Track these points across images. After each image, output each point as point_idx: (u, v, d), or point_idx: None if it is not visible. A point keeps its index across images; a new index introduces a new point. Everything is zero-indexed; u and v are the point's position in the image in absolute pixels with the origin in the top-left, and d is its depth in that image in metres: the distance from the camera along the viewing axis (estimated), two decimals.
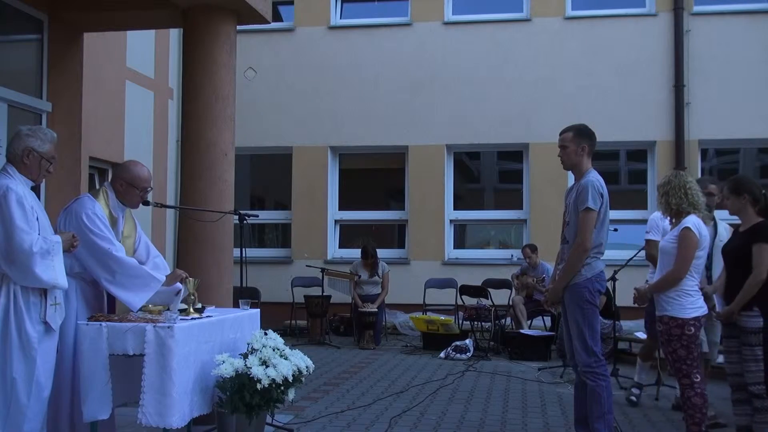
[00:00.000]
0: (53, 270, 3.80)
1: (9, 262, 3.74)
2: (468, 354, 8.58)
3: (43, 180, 4.21)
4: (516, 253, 11.14)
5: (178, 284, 4.54)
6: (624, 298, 6.92)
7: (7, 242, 3.72)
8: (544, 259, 9.56)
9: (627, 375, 7.28)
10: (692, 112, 10.78)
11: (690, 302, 4.53)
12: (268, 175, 12.97)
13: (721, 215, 5.74)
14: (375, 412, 5.92)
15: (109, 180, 5.01)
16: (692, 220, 4.57)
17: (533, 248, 9.72)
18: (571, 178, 4.84)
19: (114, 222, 4.43)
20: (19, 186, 3.85)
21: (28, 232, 3.74)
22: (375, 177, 12.81)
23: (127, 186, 4.47)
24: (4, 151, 6.29)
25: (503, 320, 9.55)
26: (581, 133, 4.74)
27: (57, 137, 4.12)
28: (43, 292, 3.87)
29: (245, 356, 4.44)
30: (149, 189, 4.56)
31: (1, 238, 3.73)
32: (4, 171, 3.93)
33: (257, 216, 5.86)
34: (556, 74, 11.13)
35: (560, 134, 4.80)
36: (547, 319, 9.76)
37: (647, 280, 5.67)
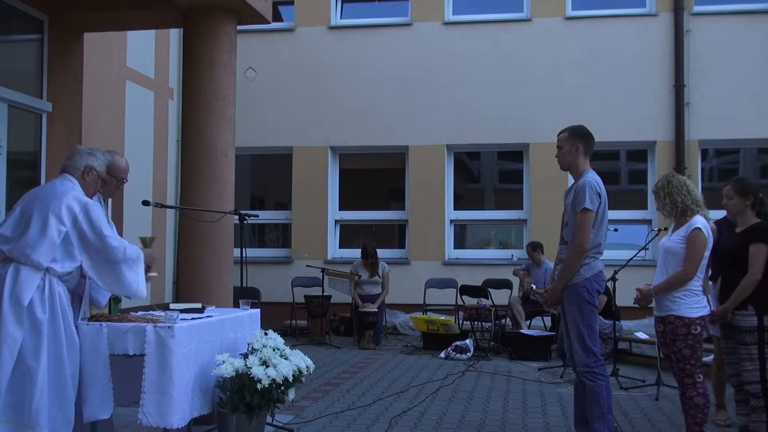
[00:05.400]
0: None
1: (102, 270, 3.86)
2: (468, 354, 8.58)
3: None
4: (516, 253, 11.15)
5: None
6: (624, 298, 6.92)
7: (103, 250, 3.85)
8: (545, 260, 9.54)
9: (627, 375, 7.29)
10: (692, 112, 10.78)
11: (696, 301, 4.54)
12: (268, 175, 12.96)
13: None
14: (375, 412, 5.92)
15: None
16: (701, 221, 4.57)
17: (534, 246, 9.64)
18: (571, 179, 4.85)
19: None
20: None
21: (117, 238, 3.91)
22: (375, 177, 12.80)
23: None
24: (4, 151, 6.30)
25: (503, 320, 9.55)
26: (576, 134, 4.75)
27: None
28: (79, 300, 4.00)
29: (245, 356, 4.44)
30: (125, 180, 4.54)
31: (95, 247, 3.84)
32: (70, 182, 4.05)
33: (257, 216, 5.87)
34: (556, 74, 11.13)
35: (557, 135, 4.81)
36: (547, 319, 9.76)
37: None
